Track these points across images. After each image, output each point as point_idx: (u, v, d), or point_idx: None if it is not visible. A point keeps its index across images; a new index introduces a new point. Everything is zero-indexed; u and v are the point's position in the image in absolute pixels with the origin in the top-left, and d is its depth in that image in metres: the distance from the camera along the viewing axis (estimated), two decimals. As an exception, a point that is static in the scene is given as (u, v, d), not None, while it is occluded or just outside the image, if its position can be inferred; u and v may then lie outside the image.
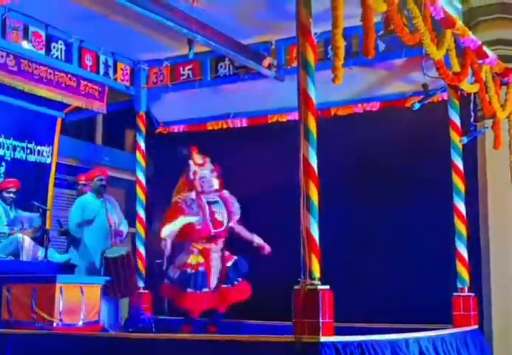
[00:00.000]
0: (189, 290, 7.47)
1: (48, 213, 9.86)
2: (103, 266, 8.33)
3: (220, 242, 7.79)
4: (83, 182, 9.54)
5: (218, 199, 7.86)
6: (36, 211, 8.84)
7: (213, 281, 7.62)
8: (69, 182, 11.05)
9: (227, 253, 7.83)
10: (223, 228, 7.76)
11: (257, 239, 7.84)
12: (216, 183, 7.87)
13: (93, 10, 7.85)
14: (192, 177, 7.82)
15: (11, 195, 8.73)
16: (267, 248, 7.79)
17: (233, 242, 8.02)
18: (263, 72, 8.80)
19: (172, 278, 7.65)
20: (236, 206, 7.90)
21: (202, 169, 7.86)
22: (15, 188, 8.78)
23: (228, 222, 7.79)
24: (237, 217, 7.90)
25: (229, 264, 7.74)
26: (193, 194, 7.75)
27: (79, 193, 9.59)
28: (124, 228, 9.30)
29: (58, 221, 9.60)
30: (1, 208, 8.65)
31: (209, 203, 7.75)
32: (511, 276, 8.66)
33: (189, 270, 7.56)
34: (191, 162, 7.86)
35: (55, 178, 10.61)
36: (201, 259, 7.61)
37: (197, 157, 7.91)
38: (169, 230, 7.59)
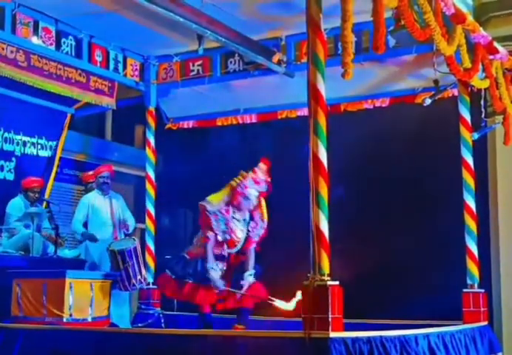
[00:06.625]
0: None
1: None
2: (109, 259, 8.29)
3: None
4: (92, 179, 9.53)
5: (247, 218, 7.44)
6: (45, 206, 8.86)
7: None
8: (79, 177, 11.05)
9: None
10: (235, 250, 7.44)
11: (247, 282, 7.34)
12: (253, 206, 7.42)
13: (103, 6, 7.87)
14: (241, 189, 7.33)
15: (36, 195, 8.73)
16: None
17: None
18: (272, 67, 8.78)
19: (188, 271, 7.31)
20: (259, 232, 7.48)
21: (254, 188, 7.32)
22: (39, 187, 8.78)
23: (243, 244, 7.43)
24: (254, 244, 7.50)
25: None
26: (223, 207, 7.33)
27: (88, 191, 9.59)
28: (131, 222, 9.34)
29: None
30: (22, 205, 8.66)
31: (234, 219, 7.35)
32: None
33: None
34: (257, 172, 7.30)
35: (58, 172, 10.60)
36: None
37: (262, 173, 7.35)
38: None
